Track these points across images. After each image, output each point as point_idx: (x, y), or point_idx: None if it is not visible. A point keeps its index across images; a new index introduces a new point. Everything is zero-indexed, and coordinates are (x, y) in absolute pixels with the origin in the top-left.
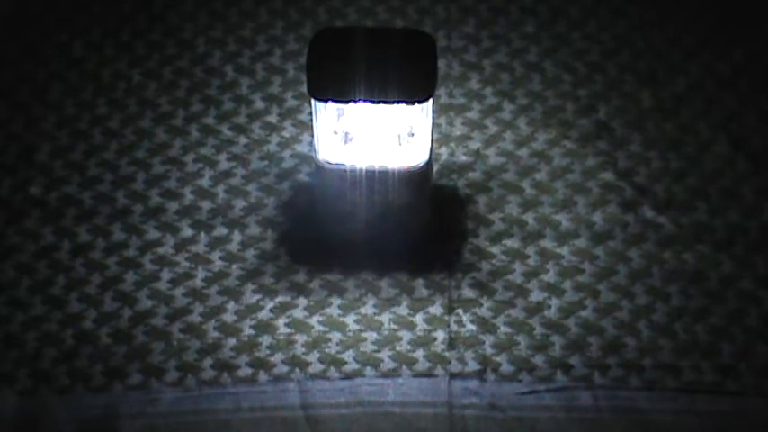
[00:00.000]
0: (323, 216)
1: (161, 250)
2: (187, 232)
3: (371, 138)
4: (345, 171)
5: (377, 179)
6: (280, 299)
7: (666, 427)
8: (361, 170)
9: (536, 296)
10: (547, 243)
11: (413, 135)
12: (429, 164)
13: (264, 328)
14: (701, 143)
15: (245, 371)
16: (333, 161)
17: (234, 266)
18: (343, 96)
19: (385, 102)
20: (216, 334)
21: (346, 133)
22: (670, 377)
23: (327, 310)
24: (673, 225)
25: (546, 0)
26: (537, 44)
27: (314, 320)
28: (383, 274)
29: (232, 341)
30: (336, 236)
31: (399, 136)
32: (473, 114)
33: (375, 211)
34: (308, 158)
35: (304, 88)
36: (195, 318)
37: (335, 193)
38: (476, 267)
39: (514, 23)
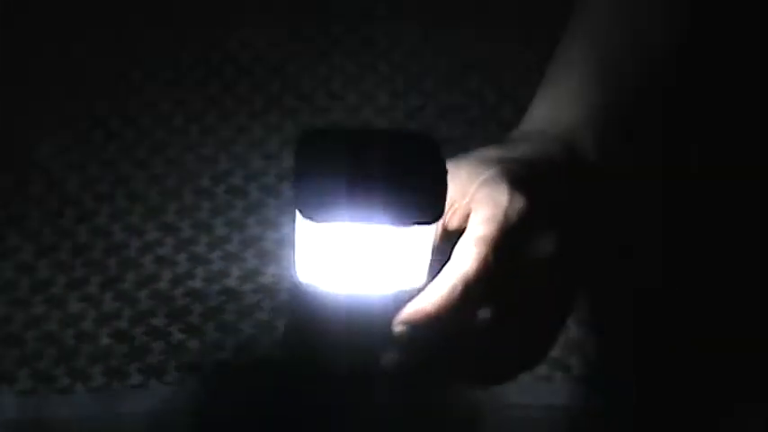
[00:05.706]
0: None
1: (161, 250)
2: (187, 232)
3: (362, 259)
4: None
5: (363, 304)
6: (280, 299)
7: (665, 427)
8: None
9: None
10: None
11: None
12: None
13: (264, 328)
14: None
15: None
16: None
17: (234, 266)
18: (338, 216)
19: (382, 223)
20: (216, 334)
21: (336, 254)
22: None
23: None
24: None
25: None
26: None
27: None
28: None
29: (232, 341)
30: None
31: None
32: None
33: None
34: None
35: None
36: (195, 318)
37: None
38: None
39: None
